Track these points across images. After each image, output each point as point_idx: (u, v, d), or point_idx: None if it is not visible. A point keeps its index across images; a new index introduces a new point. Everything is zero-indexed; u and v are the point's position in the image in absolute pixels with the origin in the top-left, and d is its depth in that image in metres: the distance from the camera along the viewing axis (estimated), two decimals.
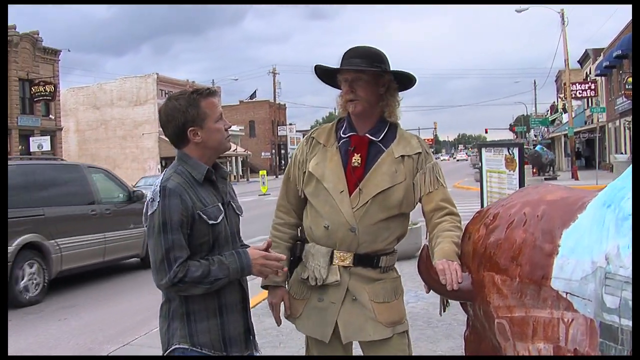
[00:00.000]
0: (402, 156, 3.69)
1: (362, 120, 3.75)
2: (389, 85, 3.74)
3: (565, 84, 53.64)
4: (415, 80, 3.84)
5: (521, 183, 5.15)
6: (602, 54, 56.34)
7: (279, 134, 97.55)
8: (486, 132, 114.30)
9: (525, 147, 73.86)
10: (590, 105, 61.63)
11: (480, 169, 5.81)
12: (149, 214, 3.19)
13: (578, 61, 67.15)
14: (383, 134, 3.74)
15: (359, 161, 3.69)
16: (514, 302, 2.98)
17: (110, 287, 12.92)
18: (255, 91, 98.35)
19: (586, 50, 64.45)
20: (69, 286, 12.61)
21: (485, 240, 3.16)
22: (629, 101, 43.96)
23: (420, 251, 3.58)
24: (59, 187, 12.46)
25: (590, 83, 55.63)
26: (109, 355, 7.96)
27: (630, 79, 42.65)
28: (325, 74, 3.89)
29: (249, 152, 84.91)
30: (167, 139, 3.38)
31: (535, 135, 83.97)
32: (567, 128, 53.44)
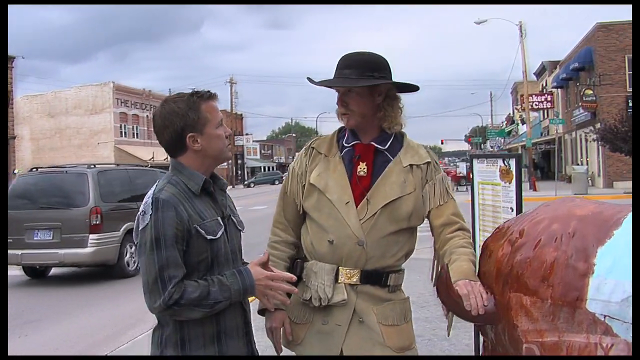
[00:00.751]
0: (411, 165, 3.46)
1: (363, 131, 3.51)
2: (387, 94, 3.50)
3: (522, 95, 54.22)
4: (418, 86, 3.62)
5: (519, 195, 4.94)
6: (558, 66, 57.01)
7: (236, 144, 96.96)
8: (442, 142, 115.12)
9: None
10: (546, 117, 62.29)
11: (472, 180, 5.58)
12: (140, 228, 2.90)
13: (534, 73, 67.96)
14: (389, 143, 3.50)
15: (365, 170, 3.45)
16: (545, 326, 2.76)
17: (77, 298, 12.53)
18: None
19: (542, 62, 65.26)
20: (35, 298, 12.27)
21: (511, 259, 2.93)
22: (587, 113, 44.46)
23: (439, 270, 3.33)
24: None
25: (547, 95, 56.37)
26: (107, 355, 7.74)
27: (588, 91, 43.19)
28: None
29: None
30: (162, 145, 3.10)
31: (492, 147, 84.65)
32: (524, 139, 53.92)
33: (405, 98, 3.51)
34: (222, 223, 3.06)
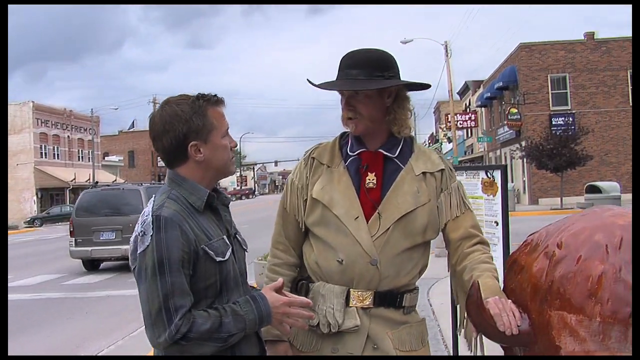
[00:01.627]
0: (424, 173, 3.17)
1: (370, 137, 3.20)
2: (397, 94, 3.20)
3: (447, 114, 54.92)
4: (429, 84, 3.35)
5: (505, 208, 4.72)
6: (482, 85, 57.95)
7: (159, 165, 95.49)
8: None
9: None
10: (470, 135, 63.21)
11: None
12: (139, 251, 2.53)
13: (458, 93, 68.95)
14: (399, 149, 3.21)
15: (375, 181, 3.14)
16: (594, 347, 2.50)
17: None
18: (134, 121, 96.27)
19: (466, 82, 66.29)
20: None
21: (551, 274, 2.66)
22: (511, 131, 45.20)
23: (470, 289, 3.05)
24: None
25: (470, 114, 57.20)
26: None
27: (513, 110, 43.96)
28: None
29: (129, 183, 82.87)
30: (158, 153, 2.75)
31: None
32: (450, 157, 54.51)
33: (326, 116, 3.23)
34: (228, 242, 2.73)
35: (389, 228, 3.06)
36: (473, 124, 56.26)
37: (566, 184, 39.02)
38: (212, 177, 2.75)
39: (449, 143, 59.42)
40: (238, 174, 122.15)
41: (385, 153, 3.17)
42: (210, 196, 2.71)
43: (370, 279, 3.06)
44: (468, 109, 62.47)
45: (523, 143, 40.68)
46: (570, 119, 42.12)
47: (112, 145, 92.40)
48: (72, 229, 18.83)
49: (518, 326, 2.67)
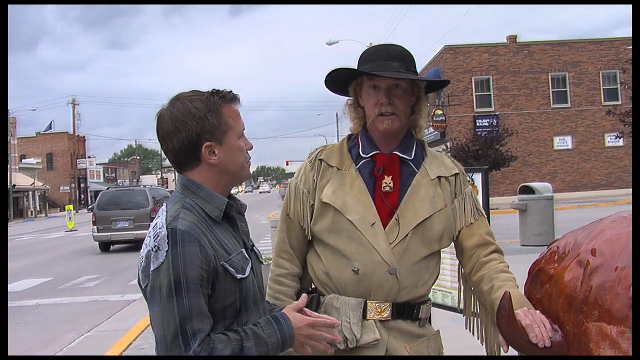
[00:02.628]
0: (439, 177, 3.02)
1: (388, 137, 3.01)
2: (419, 95, 3.05)
3: None
4: (448, 81, 3.23)
5: (486, 212, 4.57)
6: (347, 108, 58.20)
7: (78, 167, 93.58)
8: (287, 164, 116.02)
9: None
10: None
11: None
12: (152, 269, 2.27)
13: None
14: (414, 151, 3.04)
15: (392, 185, 2.95)
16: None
17: None
18: (52, 122, 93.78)
19: None
20: None
21: (586, 284, 2.51)
22: (437, 132, 45.65)
23: (500, 301, 2.87)
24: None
25: None
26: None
27: (438, 111, 44.40)
28: (336, 79, 3.12)
29: (47, 186, 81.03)
30: (167, 155, 2.48)
31: None
32: None
33: (248, 118, 2.91)
34: (247, 256, 2.49)
35: (407, 235, 2.90)
36: None
37: (490, 184, 39.52)
38: (228, 182, 2.51)
39: None
40: (159, 176, 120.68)
41: (402, 155, 3.00)
42: (228, 205, 2.47)
43: (389, 290, 2.88)
44: None
45: (448, 144, 41.13)
46: (494, 120, 42.87)
47: (30, 148, 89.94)
48: (94, 220, 24.79)
49: (550, 338, 2.53)
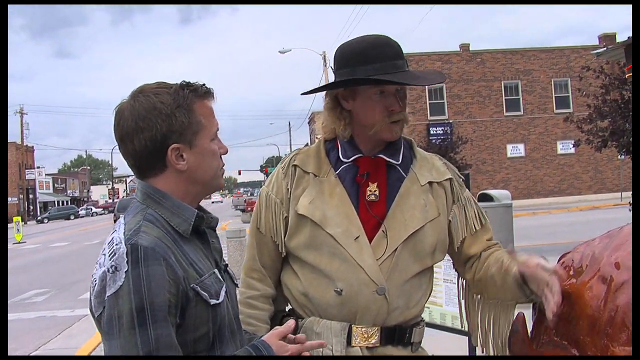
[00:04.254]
0: (430, 183, 2.68)
1: (369, 139, 2.66)
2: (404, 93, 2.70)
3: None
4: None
5: None
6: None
7: (27, 178, 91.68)
8: (239, 173, 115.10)
9: None
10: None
11: None
12: (108, 294, 1.87)
13: None
14: (401, 154, 2.69)
15: (377, 193, 2.60)
16: None
17: None
18: None
19: None
20: None
21: (611, 302, 2.17)
22: None
23: (513, 322, 2.53)
24: None
25: None
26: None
27: None
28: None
29: None
30: (126, 159, 2.10)
31: None
32: None
33: None
34: (221, 278, 2.11)
35: (396, 249, 2.54)
36: None
37: None
38: (198, 192, 2.13)
39: None
40: (110, 186, 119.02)
41: (388, 159, 2.64)
42: (199, 217, 2.09)
43: (377, 312, 2.53)
44: None
45: None
46: (448, 128, 42.85)
47: None
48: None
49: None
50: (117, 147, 2.10)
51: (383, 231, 2.55)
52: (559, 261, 2.51)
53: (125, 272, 1.85)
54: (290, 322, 2.19)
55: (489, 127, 43.91)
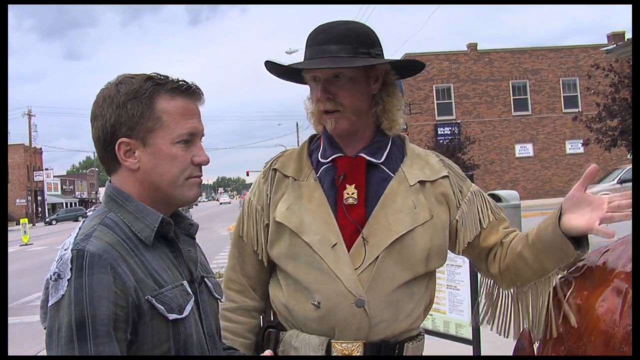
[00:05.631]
0: (422, 183, 2.44)
1: (350, 137, 2.46)
2: (384, 79, 2.47)
3: None
4: (423, 64, 2.60)
5: None
6: (305, 108, 58.21)
7: (35, 180, 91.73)
8: (247, 174, 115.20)
9: None
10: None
11: None
12: (49, 304, 1.71)
13: None
14: (386, 152, 2.47)
15: (356, 196, 2.39)
16: None
17: None
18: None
19: None
20: None
21: (627, 317, 1.96)
22: None
23: (519, 337, 2.33)
24: None
25: None
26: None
27: None
28: (285, 70, 2.55)
29: None
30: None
31: None
32: None
33: (207, 130, 2.12)
34: (190, 291, 1.90)
35: (378, 257, 2.33)
36: None
37: None
38: (159, 201, 1.92)
39: None
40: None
41: (368, 158, 2.43)
42: (165, 223, 1.89)
43: (358, 327, 2.33)
44: None
45: None
46: (456, 128, 42.65)
47: None
48: None
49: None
50: None
51: (363, 237, 2.35)
52: (568, 271, 2.31)
53: (68, 280, 1.69)
54: (267, 353, 2.08)
55: (497, 127, 43.67)
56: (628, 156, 28.15)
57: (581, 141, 22.34)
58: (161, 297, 1.79)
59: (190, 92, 1.94)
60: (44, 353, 9.91)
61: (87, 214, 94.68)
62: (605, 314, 2.03)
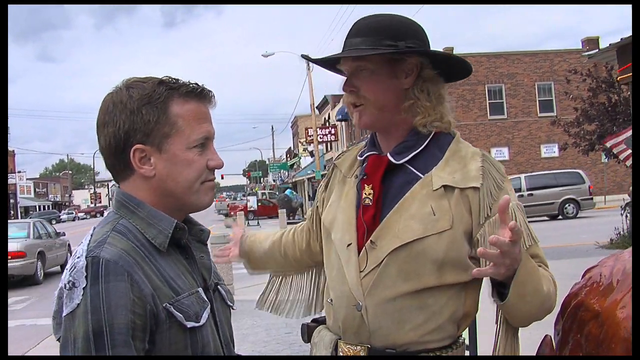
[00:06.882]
0: (447, 188, 2.26)
1: (385, 134, 2.40)
2: (419, 74, 2.34)
3: (307, 129, 54.93)
4: (469, 65, 2.48)
5: None
6: (341, 100, 58.11)
7: (8, 183, 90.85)
8: (222, 177, 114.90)
9: (270, 191, 74.97)
10: (330, 149, 63.38)
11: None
12: (64, 313, 1.66)
13: (317, 107, 68.99)
14: (415, 152, 2.33)
15: (371, 196, 2.32)
16: None
17: None
18: None
19: (325, 96, 66.36)
20: None
21: None
22: None
23: (540, 344, 2.30)
24: None
25: (330, 128, 57.33)
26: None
27: None
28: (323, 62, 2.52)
29: None
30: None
31: (274, 180, 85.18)
32: (310, 171, 54.40)
33: None
34: (205, 298, 1.87)
35: (381, 262, 2.24)
36: (333, 138, 56.43)
37: None
38: (173, 207, 1.89)
39: (311, 157, 59.35)
40: (92, 191, 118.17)
41: (390, 158, 2.34)
42: (179, 229, 1.85)
43: (357, 330, 2.28)
44: (328, 123, 62.62)
45: None
46: None
47: None
48: None
49: None
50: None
51: (371, 240, 2.28)
52: (583, 276, 2.29)
53: (84, 288, 1.65)
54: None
55: (473, 130, 43.76)
56: (603, 160, 28.35)
57: (556, 145, 22.46)
58: (178, 305, 1.76)
59: (203, 95, 1.91)
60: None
61: (61, 217, 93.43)
62: (625, 321, 2.01)
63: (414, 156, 2.34)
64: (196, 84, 1.90)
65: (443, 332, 2.28)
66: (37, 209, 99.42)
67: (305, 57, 2.55)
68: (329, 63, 2.49)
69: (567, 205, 28.73)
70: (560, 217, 28.61)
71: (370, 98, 2.32)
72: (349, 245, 2.31)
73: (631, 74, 10.78)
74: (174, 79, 1.87)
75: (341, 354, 2.30)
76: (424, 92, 2.34)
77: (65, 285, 1.68)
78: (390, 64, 2.32)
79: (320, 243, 2.60)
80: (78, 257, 1.71)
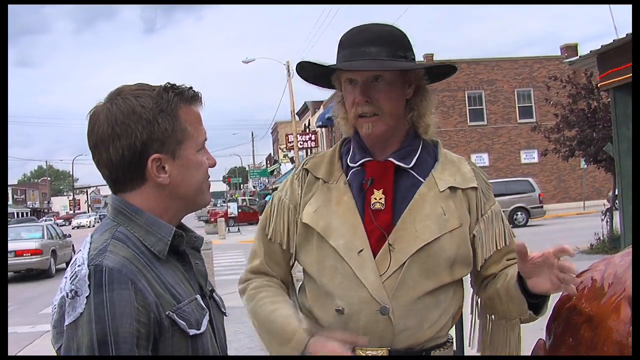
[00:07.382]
0: (452, 189, 2.41)
1: (381, 141, 2.44)
2: (417, 84, 2.46)
3: (287, 135, 54.96)
4: (456, 69, 2.59)
5: None
6: (322, 106, 58.29)
7: None
8: None
9: (250, 197, 74.79)
10: (309, 155, 63.49)
11: None
12: (66, 322, 1.65)
13: (297, 113, 69.05)
14: (416, 157, 2.44)
15: (383, 201, 2.37)
16: None
17: None
18: None
19: (305, 102, 66.43)
20: None
21: None
22: None
23: (534, 347, 2.32)
24: None
25: (311, 134, 57.44)
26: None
27: None
28: (315, 72, 2.54)
29: None
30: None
31: (254, 186, 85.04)
32: None
33: None
34: (203, 304, 1.87)
35: (403, 264, 2.30)
36: (313, 144, 56.53)
37: None
38: (179, 209, 1.91)
39: (292, 163, 59.40)
40: (71, 197, 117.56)
41: (397, 163, 2.41)
42: (177, 236, 1.85)
43: (381, 334, 2.29)
44: (308, 130, 62.71)
45: None
46: None
47: None
48: None
49: None
50: (83, 156, 1.90)
51: (389, 244, 2.32)
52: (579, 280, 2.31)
53: (87, 297, 1.63)
54: None
55: (453, 137, 43.95)
56: (582, 165, 28.54)
57: (536, 151, 22.61)
58: (180, 313, 1.76)
59: (199, 99, 1.93)
60: None
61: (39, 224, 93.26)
62: (618, 325, 2.03)
63: (414, 160, 2.45)
64: (192, 87, 1.92)
65: (446, 328, 2.43)
66: (15, 215, 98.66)
67: (311, 64, 2.54)
68: (320, 74, 2.53)
69: (517, 214, 28.97)
70: (510, 225, 28.77)
71: (385, 109, 2.38)
72: (360, 250, 2.33)
73: (613, 80, 10.93)
74: (174, 84, 1.88)
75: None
76: (423, 101, 2.47)
77: (67, 294, 1.66)
78: (401, 75, 2.41)
79: (294, 259, 2.57)
80: (79, 266, 1.69)
